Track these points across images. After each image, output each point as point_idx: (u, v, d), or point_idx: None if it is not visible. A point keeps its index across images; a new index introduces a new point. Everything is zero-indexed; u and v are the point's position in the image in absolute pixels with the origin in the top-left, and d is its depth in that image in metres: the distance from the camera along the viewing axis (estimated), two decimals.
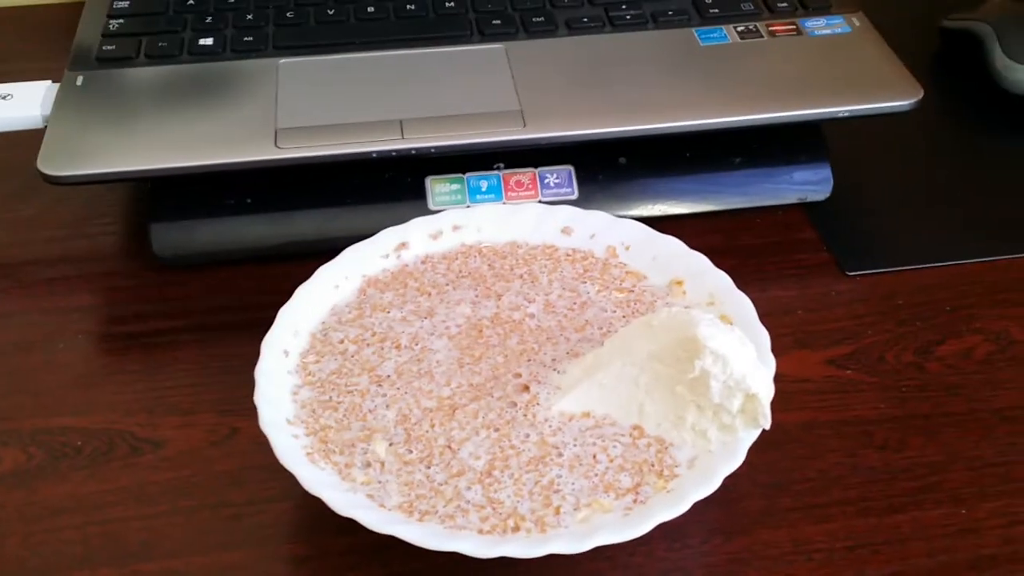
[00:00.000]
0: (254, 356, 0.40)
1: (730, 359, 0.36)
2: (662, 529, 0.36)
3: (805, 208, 0.53)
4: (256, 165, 0.48)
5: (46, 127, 0.50)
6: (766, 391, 0.36)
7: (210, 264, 0.51)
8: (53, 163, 0.48)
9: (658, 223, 0.46)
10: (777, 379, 0.38)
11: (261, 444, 0.40)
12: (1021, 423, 0.43)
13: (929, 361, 0.45)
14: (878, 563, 0.38)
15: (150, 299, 0.50)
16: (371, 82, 0.52)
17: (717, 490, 0.36)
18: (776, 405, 0.37)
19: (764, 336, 0.40)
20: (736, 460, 0.36)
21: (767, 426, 0.36)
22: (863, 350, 0.46)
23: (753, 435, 0.37)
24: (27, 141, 0.50)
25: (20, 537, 0.39)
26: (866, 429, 0.43)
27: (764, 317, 0.41)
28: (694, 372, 0.36)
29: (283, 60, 0.53)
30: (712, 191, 0.53)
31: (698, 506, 0.36)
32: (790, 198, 0.53)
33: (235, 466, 0.42)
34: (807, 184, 0.53)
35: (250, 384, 0.39)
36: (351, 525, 0.36)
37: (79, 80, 0.52)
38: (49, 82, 0.52)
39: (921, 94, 0.51)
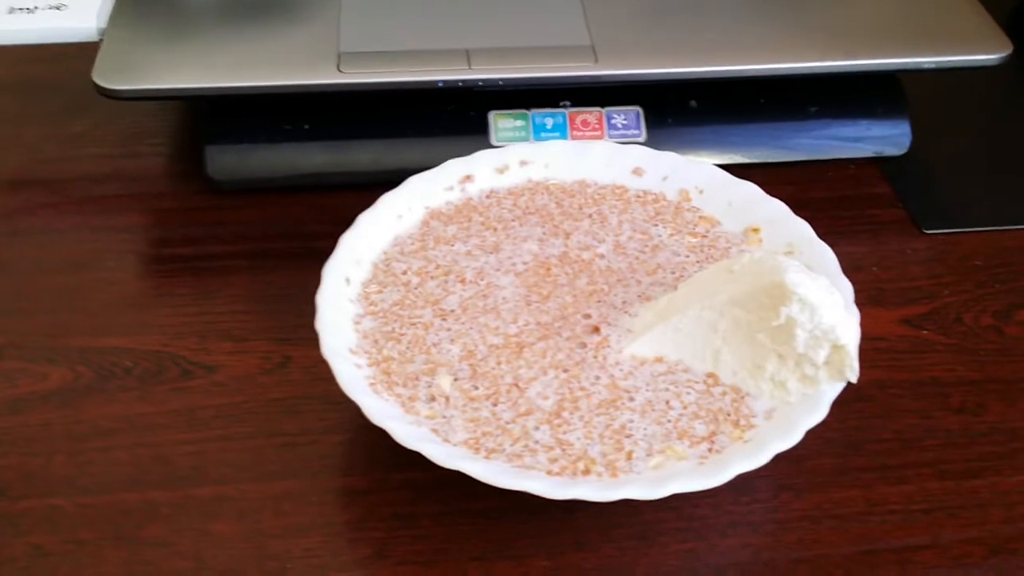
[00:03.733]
0: (308, 285, 0.39)
1: (818, 308, 0.34)
2: (730, 482, 0.34)
3: (880, 163, 0.51)
4: (317, 89, 0.47)
5: (101, 39, 0.48)
6: (855, 342, 0.35)
7: (265, 190, 0.49)
8: (109, 76, 0.46)
9: (728, 171, 0.44)
10: None
11: (316, 374, 0.39)
12: None
13: (1009, 325, 0.44)
14: (955, 527, 0.36)
15: (202, 223, 0.48)
16: (438, 9, 0.50)
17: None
18: (858, 365, 0.36)
19: (848, 288, 0.38)
20: (819, 413, 0.34)
21: (854, 379, 0.35)
22: (939, 310, 0.44)
23: (837, 388, 0.35)
24: (80, 54, 0.49)
25: (68, 455, 0.38)
26: (942, 391, 0.41)
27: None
28: (779, 320, 0.35)
29: None
30: (784, 141, 0.51)
31: (768, 462, 0.34)
32: (866, 152, 0.51)
33: (289, 395, 0.40)
34: (884, 138, 0.51)
35: (304, 313, 0.38)
36: (407, 460, 0.34)
37: None
38: None
39: (1010, 49, 0.49)
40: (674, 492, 0.32)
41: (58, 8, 0.50)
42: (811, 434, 0.36)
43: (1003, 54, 0.49)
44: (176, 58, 0.47)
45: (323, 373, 0.36)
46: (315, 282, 0.38)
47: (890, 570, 0.35)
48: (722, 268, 0.37)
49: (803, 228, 0.41)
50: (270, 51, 0.48)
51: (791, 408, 0.35)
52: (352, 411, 0.35)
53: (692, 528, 0.36)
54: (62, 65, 0.52)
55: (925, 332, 0.43)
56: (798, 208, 0.42)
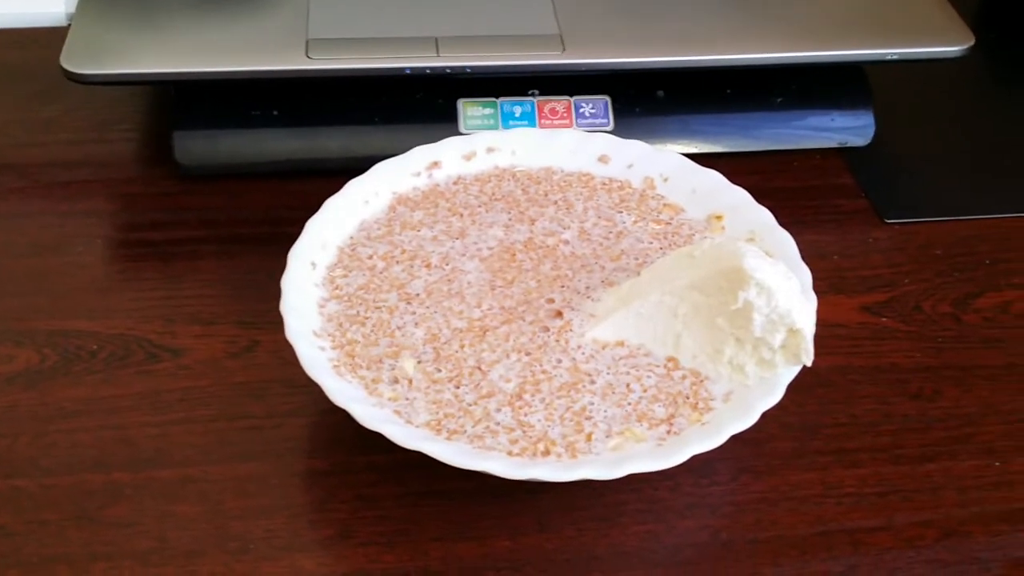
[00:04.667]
0: (275, 270, 0.39)
1: (775, 292, 0.35)
2: (689, 465, 0.35)
3: (844, 153, 0.52)
4: (286, 75, 0.47)
5: (70, 24, 0.48)
6: (810, 327, 0.35)
7: (233, 176, 0.49)
8: (77, 60, 0.46)
9: (693, 160, 0.45)
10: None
11: (282, 358, 0.39)
12: None
13: (966, 313, 0.44)
14: (909, 510, 0.37)
15: (170, 208, 0.48)
16: None
17: (746, 429, 0.35)
18: (813, 348, 0.36)
19: (806, 274, 0.39)
20: (775, 396, 0.35)
21: (809, 362, 0.36)
22: (899, 298, 0.45)
23: (793, 371, 0.36)
24: (49, 39, 0.49)
25: (32, 436, 0.38)
26: (900, 377, 0.42)
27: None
28: (737, 304, 0.35)
29: None
30: (750, 131, 0.52)
31: (727, 444, 0.35)
32: (830, 142, 0.51)
33: (254, 378, 0.41)
34: (848, 129, 0.51)
35: (272, 298, 0.38)
36: (371, 443, 0.35)
37: None
38: None
39: (972, 41, 0.49)
40: (631, 472, 0.33)
41: None
42: (771, 418, 0.37)
43: (965, 46, 0.49)
44: (145, 43, 0.47)
45: (289, 357, 0.36)
46: (282, 267, 0.39)
47: (844, 551, 0.36)
48: (683, 254, 0.37)
49: (764, 216, 0.41)
50: (239, 37, 0.48)
51: (748, 391, 0.36)
52: (317, 394, 0.35)
53: (652, 510, 0.37)
54: (31, 50, 0.52)
55: (884, 319, 0.44)
56: (763, 197, 0.43)
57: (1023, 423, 0.40)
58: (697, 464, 0.36)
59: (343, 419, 0.35)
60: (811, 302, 0.37)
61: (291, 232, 0.40)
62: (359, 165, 0.44)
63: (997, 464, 0.39)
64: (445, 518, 0.36)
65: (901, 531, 0.36)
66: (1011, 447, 0.39)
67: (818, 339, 0.37)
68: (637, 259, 0.41)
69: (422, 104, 0.50)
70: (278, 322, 0.37)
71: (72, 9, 0.49)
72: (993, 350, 0.43)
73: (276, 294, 0.38)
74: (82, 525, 0.36)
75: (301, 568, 0.35)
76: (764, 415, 0.35)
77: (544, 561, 0.35)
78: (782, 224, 0.41)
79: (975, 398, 0.41)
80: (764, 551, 0.36)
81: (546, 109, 0.50)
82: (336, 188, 0.42)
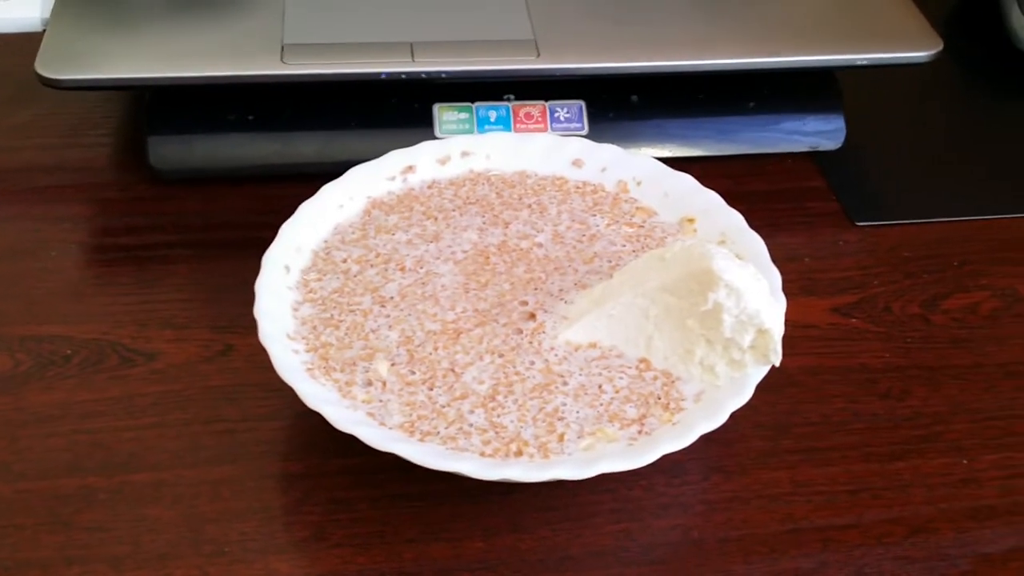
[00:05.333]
0: (250, 274, 0.39)
1: (744, 293, 0.35)
2: (662, 465, 0.35)
3: (816, 157, 0.52)
4: (261, 80, 0.47)
5: (45, 30, 0.48)
6: (778, 327, 0.36)
7: (207, 180, 0.49)
8: (52, 66, 0.46)
9: (667, 164, 0.45)
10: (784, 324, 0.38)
11: (257, 362, 0.39)
12: None
13: (935, 314, 0.45)
14: (878, 507, 0.37)
15: (145, 212, 0.48)
16: (382, 2, 0.51)
17: (719, 429, 0.35)
18: (781, 349, 0.37)
19: (776, 276, 0.39)
20: (744, 395, 0.35)
21: (777, 362, 0.36)
22: (869, 299, 0.45)
23: (762, 371, 0.36)
24: (24, 45, 0.49)
25: (6, 441, 0.38)
26: (870, 377, 0.42)
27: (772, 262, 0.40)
28: (707, 305, 0.36)
29: None
30: (723, 135, 0.52)
31: (699, 444, 0.35)
32: (802, 146, 0.52)
33: (229, 382, 0.41)
34: (819, 133, 0.52)
35: (246, 302, 0.38)
36: (346, 446, 0.35)
37: None
38: None
39: (941, 46, 0.50)
40: (602, 472, 0.33)
41: None
42: (742, 418, 0.37)
43: (933, 51, 0.50)
44: (120, 48, 0.47)
45: (263, 361, 0.36)
46: (257, 271, 0.39)
47: (814, 548, 0.36)
48: (655, 256, 0.38)
49: (736, 218, 0.42)
50: (214, 42, 0.48)
51: (719, 391, 0.36)
52: (292, 398, 0.35)
53: (626, 509, 0.37)
54: (5, 56, 0.52)
55: (854, 320, 0.44)
56: (735, 200, 0.43)
57: (990, 421, 0.41)
58: (670, 464, 0.36)
59: (318, 422, 0.35)
60: (780, 303, 0.38)
61: (266, 236, 0.40)
62: (335, 169, 0.44)
63: (964, 462, 0.39)
64: (419, 520, 0.36)
65: (870, 528, 0.37)
66: (978, 445, 0.40)
67: (789, 340, 0.37)
68: (610, 262, 0.41)
69: (398, 109, 0.50)
70: (252, 326, 0.37)
71: (47, 15, 0.49)
72: (961, 350, 0.43)
73: (250, 298, 0.38)
74: (56, 530, 0.36)
75: (275, 570, 0.35)
76: (735, 415, 0.36)
77: (518, 561, 0.36)
78: (754, 227, 0.42)
79: (943, 397, 0.41)
80: (735, 549, 0.36)
81: (521, 113, 0.50)
82: (312, 192, 0.43)
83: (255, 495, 0.37)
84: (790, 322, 0.38)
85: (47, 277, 0.45)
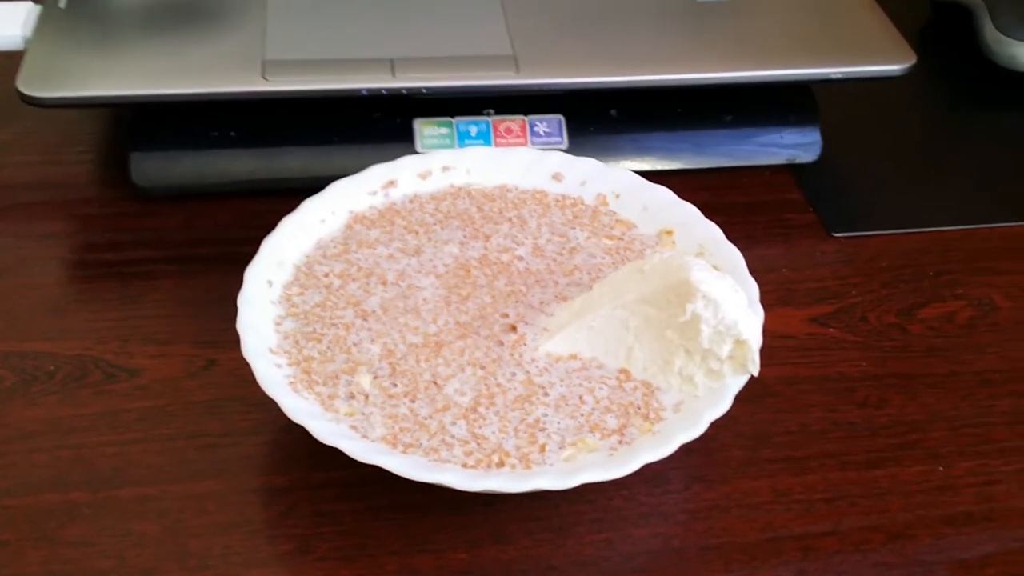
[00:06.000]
0: (233, 290, 0.39)
1: (721, 304, 0.36)
2: (644, 474, 0.35)
3: (793, 169, 0.53)
4: (242, 96, 0.47)
5: (26, 48, 0.49)
6: (756, 337, 0.36)
7: (190, 197, 0.50)
8: (34, 84, 0.46)
9: (646, 177, 0.45)
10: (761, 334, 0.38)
11: (240, 377, 0.39)
12: (1000, 386, 0.43)
13: (911, 323, 0.45)
14: (856, 515, 0.38)
15: (127, 229, 0.49)
16: (362, 19, 0.51)
17: (699, 439, 0.36)
18: (759, 360, 0.37)
19: (753, 287, 0.40)
20: (723, 406, 0.36)
21: (755, 372, 0.36)
22: (846, 309, 0.46)
23: (741, 381, 0.37)
24: (4, 63, 0.49)
25: None
26: (847, 386, 0.43)
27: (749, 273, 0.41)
28: (685, 316, 0.36)
29: None
30: (701, 148, 0.53)
31: (680, 454, 0.35)
32: (779, 159, 0.53)
33: (212, 397, 0.41)
34: (796, 146, 0.53)
35: (229, 317, 0.38)
36: (328, 460, 0.35)
37: (62, 2, 0.51)
38: (31, 3, 0.51)
39: (914, 60, 0.51)
40: (584, 482, 0.34)
41: None
42: (722, 428, 0.38)
43: (907, 65, 0.51)
44: (101, 65, 0.48)
45: (246, 375, 0.37)
46: (239, 287, 0.39)
47: (793, 555, 0.37)
48: (634, 268, 0.38)
49: (713, 230, 0.42)
50: (195, 58, 0.48)
51: (698, 401, 0.36)
52: (275, 412, 0.36)
53: (607, 519, 0.37)
54: None
55: (832, 330, 0.45)
56: (714, 212, 0.43)
57: (966, 429, 0.41)
58: (651, 474, 0.37)
59: (301, 436, 0.35)
60: (758, 314, 0.38)
61: (248, 252, 0.41)
62: (317, 184, 0.44)
63: (941, 469, 0.40)
64: (403, 532, 0.37)
65: (848, 535, 0.37)
66: (954, 452, 0.40)
67: (767, 350, 0.38)
68: (590, 274, 0.42)
69: (379, 124, 0.50)
70: (235, 341, 0.37)
71: (28, 33, 0.49)
72: (937, 359, 0.44)
73: (233, 313, 0.38)
74: (41, 545, 0.36)
75: None
76: (715, 425, 0.36)
77: (501, 572, 0.36)
78: (731, 239, 0.42)
79: (920, 405, 0.42)
80: (715, 557, 0.36)
81: (501, 128, 0.51)
82: (293, 207, 0.43)
83: (239, 509, 0.37)
84: (768, 332, 0.38)
85: (29, 294, 0.45)
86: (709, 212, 0.44)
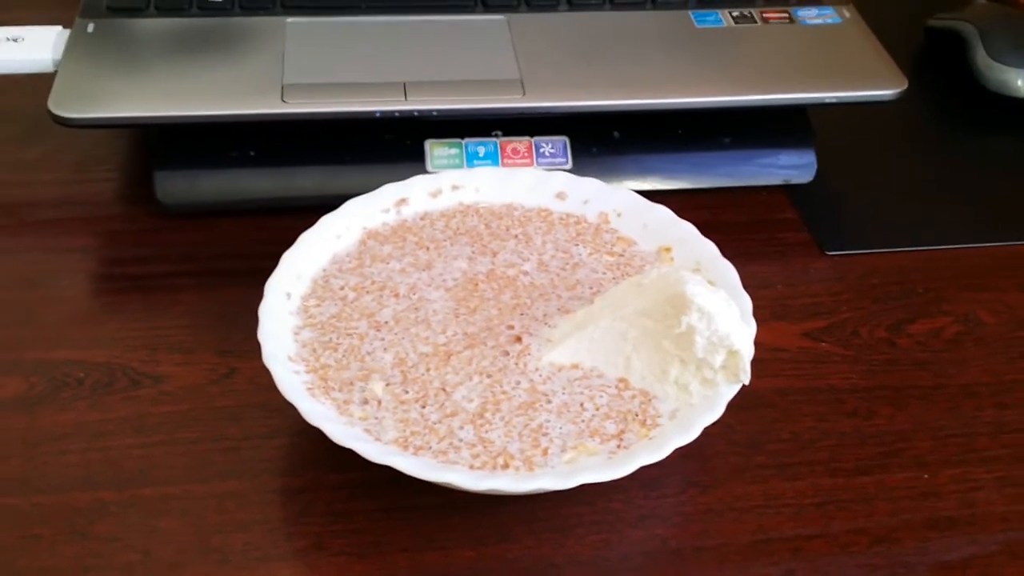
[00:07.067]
0: (253, 302, 0.41)
1: (715, 316, 0.38)
2: (641, 479, 0.38)
3: (788, 190, 0.55)
4: (262, 118, 0.50)
5: (56, 71, 0.51)
6: (748, 348, 0.38)
7: (212, 214, 0.52)
8: (64, 105, 0.49)
9: (647, 197, 0.48)
10: (754, 346, 0.40)
11: (259, 384, 0.42)
12: (985, 398, 0.45)
13: (900, 337, 0.47)
14: (844, 519, 0.40)
15: (151, 244, 0.51)
16: (376, 45, 0.53)
17: (695, 446, 0.38)
18: (753, 371, 0.39)
19: (747, 301, 0.42)
20: (716, 412, 0.38)
21: (747, 381, 0.38)
22: (838, 324, 0.48)
23: (733, 390, 0.39)
24: (35, 85, 0.51)
25: (23, 459, 0.41)
26: (838, 397, 0.45)
27: (744, 289, 0.43)
28: (680, 328, 0.38)
29: (290, 19, 0.55)
30: (700, 169, 0.55)
31: (676, 459, 0.38)
32: (775, 180, 0.55)
33: (233, 403, 0.43)
34: (792, 167, 0.55)
35: (249, 328, 0.40)
36: (344, 462, 0.38)
37: (90, 27, 0.53)
38: (60, 28, 0.53)
39: (905, 84, 0.53)
40: (583, 482, 0.36)
41: (15, 40, 0.52)
42: (717, 435, 0.40)
43: (898, 90, 0.53)
44: (128, 88, 0.50)
45: (265, 383, 0.39)
46: (259, 299, 0.41)
47: (784, 556, 0.39)
48: (633, 283, 0.40)
49: (709, 248, 0.44)
50: (218, 82, 0.50)
51: (693, 409, 0.38)
52: (292, 417, 0.38)
53: (606, 521, 0.39)
54: (17, 96, 0.55)
55: (824, 344, 0.47)
56: (711, 231, 0.46)
57: (951, 439, 0.43)
58: (648, 478, 0.39)
59: (317, 440, 0.37)
60: (750, 326, 0.40)
61: (267, 266, 0.43)
62: (332, 202, 0.46)
63: (926, 476, 0.42)
64: (412, 531, 0.39)
65: (836, 538, 0.39)
66: (939, 460, 0.42)
67: (761, 362, 0.40)
68: (592, 288, 0.44)
69: (391, 145, 0.53)
70: (255, 351, 0.39)
71: (59, 56, 0.52)
72: (924, 371, 0.46)
73: (253, 324, 0.40)
74: (72, 540, 0.38)
75: None
76: (711, 432, 0.38)
77: (505, 570, 0.38)
78: (728, 256, 0.44)
79: (907, 416, 0.44)
80: (709, 558, 0.38)
81: (508, 149, 0.53)
82: (310, 224, 0.45)
83: (258, 508, 0.39)
84: (763, 345, 0.40)
85: (59, 305, 0.47)
86: (707, 230, 0.46)
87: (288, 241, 0.44)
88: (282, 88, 0.50)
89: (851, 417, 0.44)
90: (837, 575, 0.38)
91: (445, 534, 0.39)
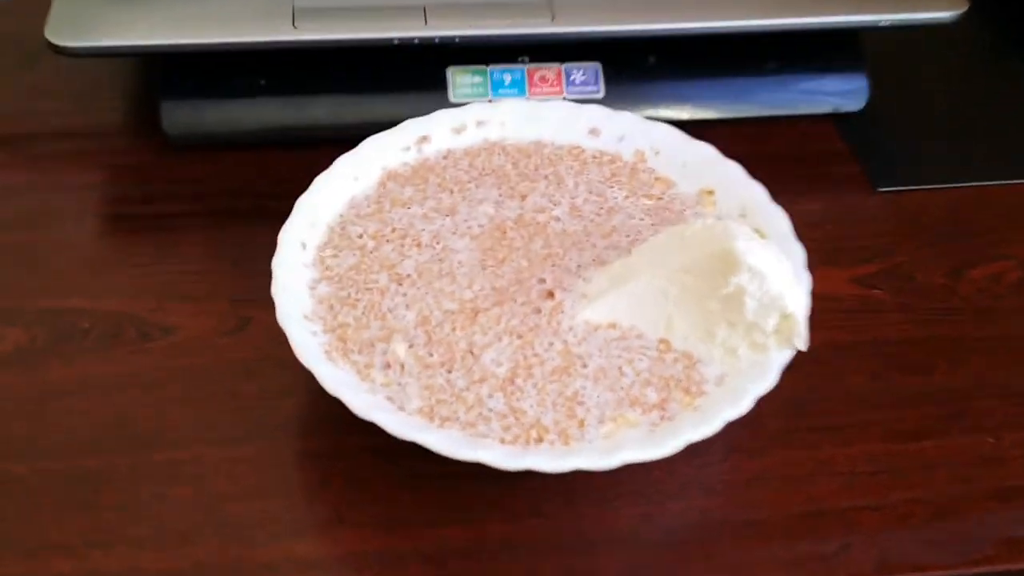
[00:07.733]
0: (266, 244, 0.39)
1: (767, 276, 0.35)
2: None
3: (837, 120, 0.51)
4: (272, 46, 0.46)
5: None
6: (803, 311, 0.35)
7: (220, 147, 0.49)
8: (63, 33, 0.45)
9: (684, 127, 0.44)
10: None
11: (275, 336, 0.39)
12: None
13: (960, 283, 0.44)
14: (901, 488, 0.37)
15: (159, 180, 0.48)
16: None
17: None
18: (806, 333, 0.36)
19: (799, 252, 0.39)
20: (768, 381, 0.35)
21: (803, 347, 0.36)
22: (891, 269, 0.45)
23: (786, 356, 0.36)
24: (27, 8, 0.48)
25: (27, 419, 0.38)
26: (892, 351, 0.42)
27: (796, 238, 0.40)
28: (728, 288, 0.35)
29: None
30: (742, 96, 0.51)
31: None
32: (823, 108, 0.51)
33: (247, 357, 0.41)
34: (841, 94, 0.51)
35: (263, 273, 0.38)
36: (365, 424, 0.35)
37: None
38: None
39: (966, 7, 0.49)
40: (624, 462, 0.33)
41: None
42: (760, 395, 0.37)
43: (958, 12, 0.49)
44: (130, 15, 0.46)
45: (281, 335, 0.36)
46: (272, 240, 0.38)
47: (836, 530, 0.36)
48: (675, 234, 0.37)
49: (757, 191, 0.41)
50: (225, 7, 0.47)
51: (741, 374, 0.36)
52: (309, 374, 0.35)
53: (645, 492, 0.37)
54: (14, 20, 0.52)
55: (877, 291, 0.44)
56: (754, 163, 0.42)
57: (1015, 398, 0.40)
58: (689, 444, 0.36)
59: (336, 399, 0.35)
60: (803, 282, 0.37)
61: (279, 205, 0.40)
62: (349, 134, 0.43)
63: (991, 440, 0.39)
64: (439, 502, 0.36)
65: (893, 509, 0.37)
66: (1003, 423, 0.39)
67: (811, 314, 0.37)
68: (628, 236, 0.41)
69: (411, 72, 0.49)
70: (269, 299, 0.37)
71: None
72: (986, 322, 0.43)
73: (267, 269, 0.38)
74: (79, 510, 0.36)
75: (295, 551, 0.35)
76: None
77: (538, 544, 0.36)
78: (773, 192, 0.41)
79: (967, 372, 0.41)
80: (755, 532, 0.36)
81: (536, 77, 0.50)
82: (324, 158, 0.42)
83: (274, 474, 0.37)
84: (811, 294, 0.37)
85: (62, 249, 0.45)
86: (749, 163, 0.42)
87: (301, 177, 0.41)
88: (293, 13, 0.46)
89: (907, 374, 0.41)
90: (895, 551, 0.36)
91: (474, 506, 0.36)
